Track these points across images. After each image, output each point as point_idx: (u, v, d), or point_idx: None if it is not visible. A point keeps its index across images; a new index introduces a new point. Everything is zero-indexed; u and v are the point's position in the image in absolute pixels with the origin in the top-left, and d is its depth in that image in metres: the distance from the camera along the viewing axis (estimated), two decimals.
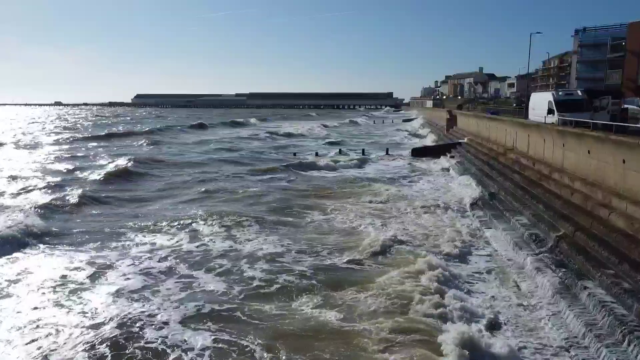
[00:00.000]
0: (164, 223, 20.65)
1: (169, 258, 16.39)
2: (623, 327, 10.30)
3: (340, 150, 51.38)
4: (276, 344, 10.63)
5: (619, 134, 17.35)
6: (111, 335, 10.90)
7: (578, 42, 67.44)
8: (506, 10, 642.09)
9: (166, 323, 11.57)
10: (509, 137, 33.50)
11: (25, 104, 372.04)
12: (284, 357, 10.22)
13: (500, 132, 36.33)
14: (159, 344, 10.69)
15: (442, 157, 43.37)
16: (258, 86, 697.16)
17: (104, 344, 10.55)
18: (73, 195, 25.41)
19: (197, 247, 17.66)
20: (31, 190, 27.78)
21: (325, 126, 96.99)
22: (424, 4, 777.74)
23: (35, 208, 22.63)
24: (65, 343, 10.64)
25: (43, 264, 15.87)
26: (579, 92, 28.91)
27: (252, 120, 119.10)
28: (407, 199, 25.86)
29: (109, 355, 10.21)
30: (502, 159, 31.60)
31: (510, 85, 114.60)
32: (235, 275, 14.81)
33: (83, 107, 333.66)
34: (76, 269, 15.41)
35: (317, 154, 47.94)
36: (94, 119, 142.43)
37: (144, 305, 12.51)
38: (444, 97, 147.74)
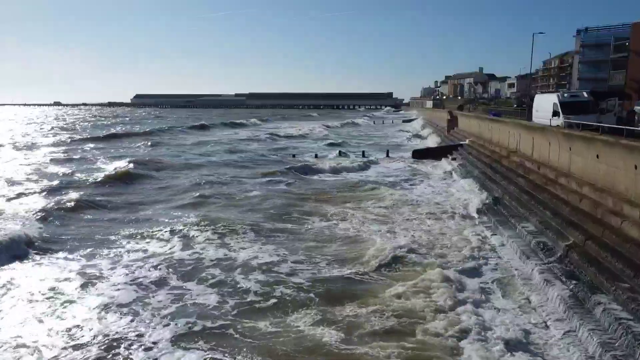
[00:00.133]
0: (158, 229, 20.06)
1: (160, 267, 15.78)
2: None
3: (340, 152, 50.70)
4: None
5: (630, 139, 16.68)
6: (97, 358, 10.22)
7: (580, 42, 66.77)
8: (506, 10, 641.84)
9: (155, 343, 10.90)
10: (512, 139, 32.84)
11: (25, 104, 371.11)
12: None
13: (503, 134, 35.66)
14: None
15: (443, 159, 42.73)
16: (258, 86, 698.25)
17: None
18: (67, 200, 24.75)
19: (190, 255, 17.02)
20: (24, 195, 27.12)
21: (326, 127, 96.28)
22: (424, 3, 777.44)
23: (27, 213, 22.09)
24: None
25: (32, 275, 15.28)
26: (585, 94, 28.11)
27: (252, 120, 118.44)
28: (410, 204, 25.19)
29: None
30: (505, 161, 30.93)
31: (511, 85, 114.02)
32: (229, 287, 14.14)
33: (82, 107, 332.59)
34: (66, 279, 14.84)
35: (316, 156, 47.33)
36: (92, 119, 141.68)
37: (132, 322, 11.85)
38: (444, 97, 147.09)
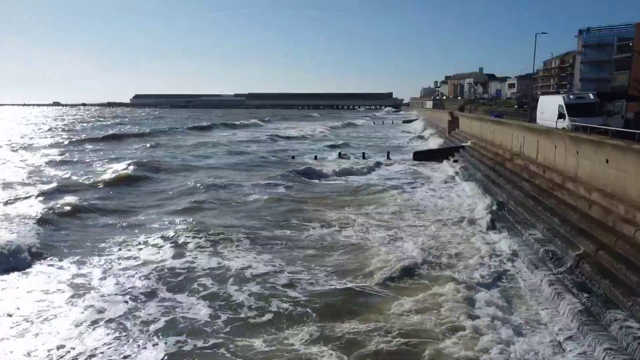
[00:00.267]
0: (152, 235, 19.42)
1: (151, 276, 15.09)
2: None
3: (340, 153, 49.99)
4: None
5: None
6: None
7: (582, 43, 66.20)
8: (506, 10, 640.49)
9: None
10: (515, 141, 32.16)
11: (24, 104, 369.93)
12: None
13: (506, 136, 34.97)
14: None
15: (445, 161, 42.08)
16: (257, 86, 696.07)
17: None
18: (61, 204, 24.00)
19: (182, 264, 16.34)
20: (19, 200, 26.37)
21: (327, 127, 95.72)
22: (424, 3, 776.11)
23: (20, 219, 21.45)
24: None
25: (20, 286, 14.66)
26: (591, 95, 27.37)
27: (253, 121, 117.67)
28: (414, 209, 24.47)
29: None
30: (508, 164, 30.25)
31: (511, 85, 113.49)
32: (221, 301, 13.46)
33: (81, 107, 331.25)
34: (56, 291, 14.24)
35: (315, 158, 46.68)
36: (92, 120, 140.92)
37: (120, 341, 11.16)
38: (444, 97, 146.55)
